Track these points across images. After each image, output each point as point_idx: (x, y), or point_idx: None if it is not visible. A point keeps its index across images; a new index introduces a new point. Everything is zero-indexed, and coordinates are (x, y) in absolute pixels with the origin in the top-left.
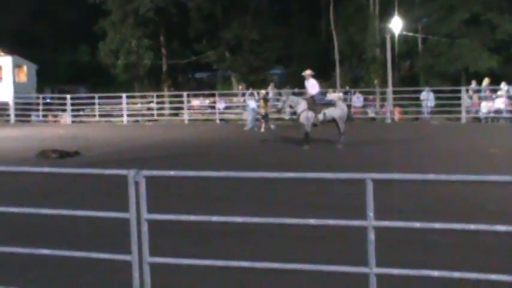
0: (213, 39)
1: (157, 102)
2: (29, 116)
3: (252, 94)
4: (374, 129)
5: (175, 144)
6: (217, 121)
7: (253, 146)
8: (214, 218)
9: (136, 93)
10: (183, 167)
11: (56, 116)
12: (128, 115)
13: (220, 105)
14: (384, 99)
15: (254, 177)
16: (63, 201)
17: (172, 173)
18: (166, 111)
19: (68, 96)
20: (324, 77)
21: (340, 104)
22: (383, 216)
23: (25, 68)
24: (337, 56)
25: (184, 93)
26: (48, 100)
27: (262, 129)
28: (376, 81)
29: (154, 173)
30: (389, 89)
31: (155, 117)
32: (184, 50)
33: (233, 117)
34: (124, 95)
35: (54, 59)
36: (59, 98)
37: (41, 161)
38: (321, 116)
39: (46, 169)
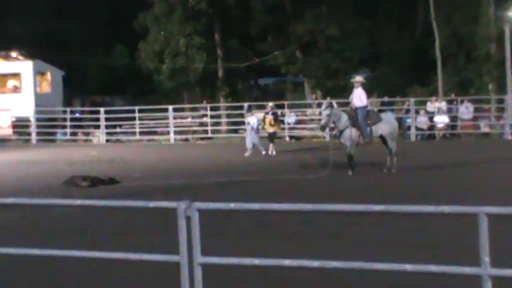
0: (281, 36)
1: (212, 116)
2: (54, 134)
3: (249, 109)
4: (487, 148)
5: (234, 168)
6: (287, 139)
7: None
8: (287, 262)
9: (186, 105)
10: (244, 196)
11: (87, 134)
12: (176, 132)
13: (290, 118)
14: (501, 109)
15: (333, 210)
16: (97, 240)
17: (232, 205)
18: (223, 127)
19: (102, 109)
20: (422, 82)
21: (389, 118)
22: (501, 260)
23: (49, 75)
24: (438, 55)
25: (245, 104)
26: (78, 115)
27: (271, 152)
28: (490, 86)
29: (210, 205)
30: (509, 96)
31: (209, 135)
32: (244, 50)
33: (306, 134)
34: (170, 107)
35: (85, 63)
36: (91, 112)
37: (69, 191)
38: (367, 135)
39: (77, 201)
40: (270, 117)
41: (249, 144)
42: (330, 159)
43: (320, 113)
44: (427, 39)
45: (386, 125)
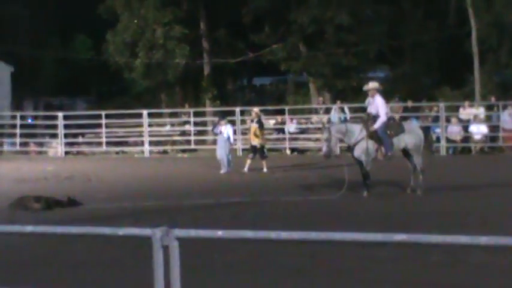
0: (280, 25)
1: (196, 123)
2: (0, 144)
3: (222, 117)
4: None
5: (222, 187)
6: (287, 151)
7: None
8: None
9: (164, 110)
10: (234, 222)
11: (41, 144)
12: (152, 143)
13: (292, 126)
14: None
15: (343, 240)
16: (52, 276)
17: (219, 233)
18: (210, 137)
19: (60, 114)
20: (455, 83)
21: (413, 128)
22: None
23: None
24: (475, 49)
25: (237, 109)
26: (30, 121)
27: (246, 169)
28: None
29: (192, 232)
30: None
31: (192, 146)
32: (235, 42)
33: (311, 146)
34: (145, 112)
35: (38, 57)
36: (46, 118)
37: (18, 214)
38: (390, 149)
39: (28, 228)
40: (254, 125)
41: (223, 158)
42: (345, 177)
43: (329, 120)
44: (460, 30)
45: (410, 136)
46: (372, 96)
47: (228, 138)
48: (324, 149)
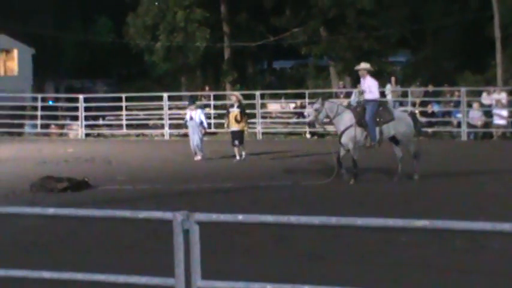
0: (301, 9)
1: (216, 107)
2: (22, 126)
3: (192, 101)
4: None
5: (242, 171)
6: (307, 135)
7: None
8: None
9: (184, 93)
10: (254, 206)
11: (62, 126)
12: (172, 126)
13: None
14: None
15: (365, 225)
16: (73, 258)
17: (240, 217)
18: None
19: (80, 96)
20: (477, 68)
21: (403, 115)
22: None
23: (15, 53)
24: (497, 34)
25: (257, 93)
26: (51, 103)
27: (238, 157)
28: None
29: (213, 216)
30: None
31: (212, 129)
32: (256, 26)
33: (331, 130)
34: (165, 94)
35: (59, 39)
36: (67, 100)
37: (39, 196)
38: (374, 138)
39: (50, 210)
40: (235, 110)
41: (197, 144)
42: (334, 164)
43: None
44: (483, 14)
45: (399, 124)
46: (363, 77)
47: (201, 123)
48: (311, 117)
